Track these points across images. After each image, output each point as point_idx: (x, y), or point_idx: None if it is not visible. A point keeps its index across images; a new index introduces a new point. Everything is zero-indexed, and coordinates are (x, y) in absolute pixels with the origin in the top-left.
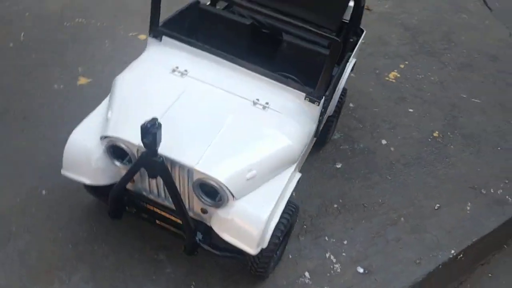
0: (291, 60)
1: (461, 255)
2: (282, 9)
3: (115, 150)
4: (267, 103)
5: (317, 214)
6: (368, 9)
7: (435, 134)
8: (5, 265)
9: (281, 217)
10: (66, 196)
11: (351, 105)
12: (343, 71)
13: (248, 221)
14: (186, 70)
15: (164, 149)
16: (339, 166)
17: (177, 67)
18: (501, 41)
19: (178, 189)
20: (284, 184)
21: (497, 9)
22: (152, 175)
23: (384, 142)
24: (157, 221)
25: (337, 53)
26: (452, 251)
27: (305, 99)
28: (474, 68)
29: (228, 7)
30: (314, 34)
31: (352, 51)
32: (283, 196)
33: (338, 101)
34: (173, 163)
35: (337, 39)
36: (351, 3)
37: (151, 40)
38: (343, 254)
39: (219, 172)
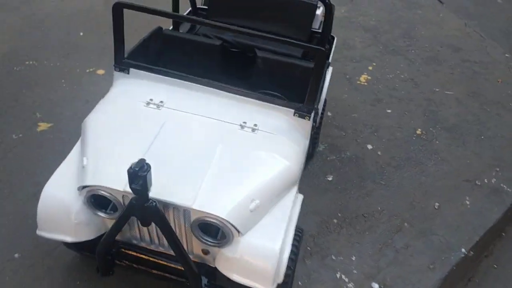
0: (268, 76)
1: (471, 252)
2: (251, 26)
3: (97, 200)
4: (255, 125)
5: (318, 233)
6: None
7: (418, 132)
8: None
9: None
10: (43, 257)
11: (329, 113)
12: (323, 80)
13: (260, 256)
14: (161, 102)
15: (153, 191)
16: (330, 178)
17: (151, 99)
18: (458, 31)
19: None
20: (289, 209)
21: (447, 2)
22: (145, 223)
23: (370, 147)
24: (154, 271)
25: (323, 62)
26: (463, 250)
27: (294, 115)
28: (440, 61)
29: (191, 30)
30: (294, 45)
31: (328, 59)
32: (291, 222)
33: (322, 112)
34: (166, 205)
35: (322, 48)
36: (318, 12)
37: (117, 74)
38: (354, 271)
39: (220, 208)
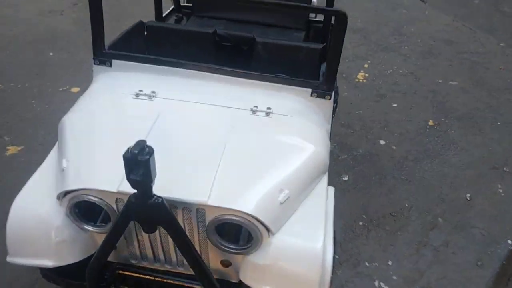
0: (269, 63)
1: None
2: (247, 18)
3: (82, 210)
4: (268, 108)
5: (344, 238)
6: None
7: (431, 123)
8: None
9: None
10: None
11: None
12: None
13: (299, 260)
14: (153, 92)
15: (155, 190)
16: (346, 178)
17: (140, 91)
18: (448, 26)
19: None
20: (324, 202)
21: (430, 1)
22: (149, 228)
23: (382, 142)
24: None
25: (343, 27)
26: (509, 241)
27: (311, 95)
28: (435, 54)
29: (178, 22)
30: (302, 10)
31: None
32: (328, 217)
33: (334, 101)
34: (173, 206)
35: (342, 10)
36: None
37: (98, 69)
38: (394, 277)
39: (242, 202)
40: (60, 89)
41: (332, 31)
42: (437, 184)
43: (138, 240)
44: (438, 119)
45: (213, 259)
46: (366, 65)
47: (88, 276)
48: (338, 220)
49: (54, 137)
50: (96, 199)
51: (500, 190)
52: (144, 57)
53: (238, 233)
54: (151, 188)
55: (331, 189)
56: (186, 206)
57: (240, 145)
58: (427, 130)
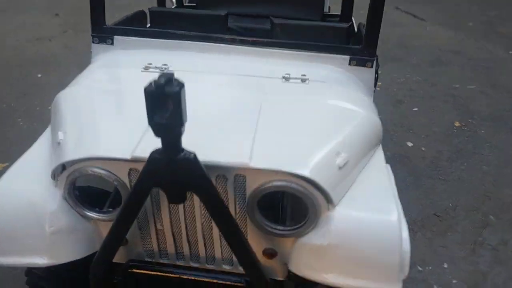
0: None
1: None
2: (264, 12)
3: (84, 192)
4: (303, 75)
5: None
6: None
7: (457, 124)
8: None
9: None
10: None
11: None
12: None
13: (373, 236)
14: (165, 65)
15: None
16: None
17: (150, 64)
18: (451, 39)
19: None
20: (386, 173)
21: (428, 19)
22: (176, 196)
23: (410, 144)
24: None
25: None
26: None
27: (350, 63)
28: (445, 62)
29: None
30: None
31: None
32: (393, 191)
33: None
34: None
35: None
36: None
37: (97, 48)
38: (454, 281)
39: (294, 163)
40: (49, 108)
41: None
42: (479, 182)
43: (156, 230)
44: (464, 120)
45: (254, 248)
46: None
47: (92, 277)
48: None
49: None
50: (103, 172)
51: None
52: (152, 30)
53: (279, 215)
54: (180, 137)
55: (388, 166)
56: (220, 174)
57: (278, 107)
58: (455, 131)
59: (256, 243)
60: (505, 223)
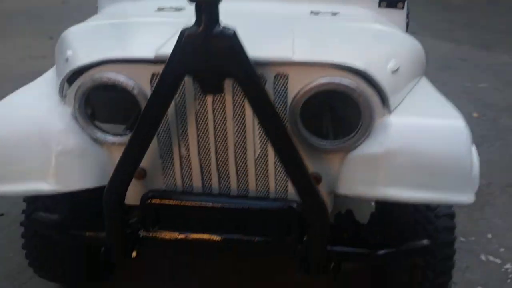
0: None
1: None
2: None
3: (97, 106)
4: (333, 12)
5: None
6: None
7: (475, 115)
8: None
9: None
10: None
11: None
12: None
13: (440, 140)
14: (181, 5)
15: None
16: None
17: (162, 7)
18: (456, 49)
19: (251, 134)
20: (438, 92)
21: (428, 34)
22: (212, 84)
23: None
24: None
25: None
26: None
27: (379, 5)
28: (453, 67)
29: None
30: None
31: None
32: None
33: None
34: None
35: None
36: None
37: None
38: (501, 249)
39: (345, 57)
40: None
41: None
42: (509, 163)
43: (180, 157)
44: (482, 112)
45: None
46: None
47: (105, 205)
48: None
49: None
50: (121, 78)
51: None
52: None
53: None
54: (218, 6)
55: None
56: (259, 74)
57: (313, 26)
58: (473, 120)
59: None
60: None
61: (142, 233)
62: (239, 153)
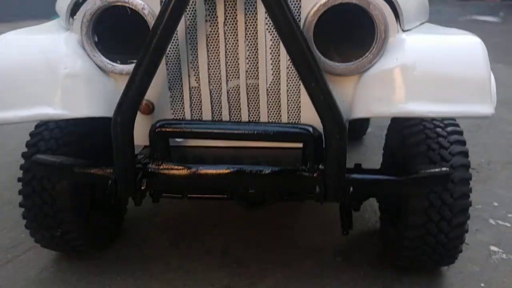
0: None
1: None
2: None
3: (104, 36)
4: None
5: None
6: None
7: None
8: None
9: None
10: None
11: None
12: None
13: (458, 52)
14: None
15: None
16: None
17: None
18: None
19: (263, 59)
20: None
21: None
22: None
23: None
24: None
25: None
26: None
27: None
28: None
29: None
30: None
31: None
32: None
33: None
34: None
35: None
36: None
37: None
38: (509, 215)
39: None
40: None
41: None
42: (506, 145)
43: (190, 89)
44: None
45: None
46: None
47: (113, 125)
48: None
49: None
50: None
51: None
52: None
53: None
54: None
55: None
56: None
57: None
58: None
59: None
60: None
61: (152, 167)
62: (251, 81)
